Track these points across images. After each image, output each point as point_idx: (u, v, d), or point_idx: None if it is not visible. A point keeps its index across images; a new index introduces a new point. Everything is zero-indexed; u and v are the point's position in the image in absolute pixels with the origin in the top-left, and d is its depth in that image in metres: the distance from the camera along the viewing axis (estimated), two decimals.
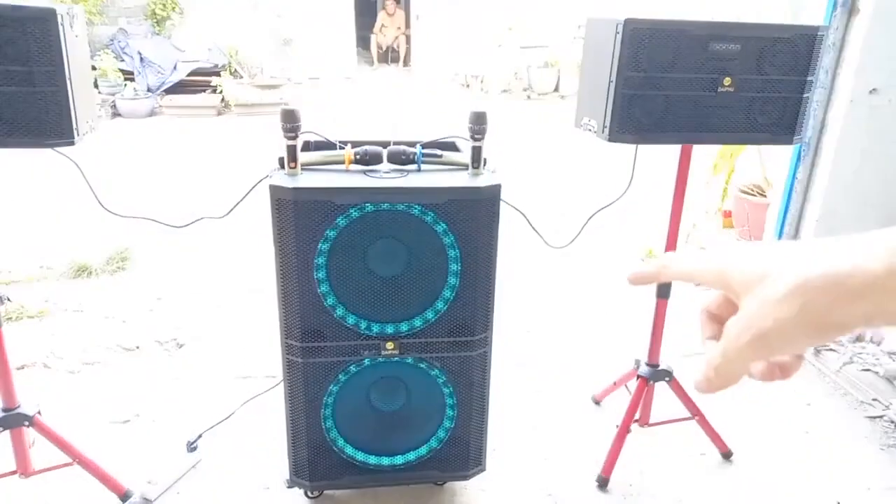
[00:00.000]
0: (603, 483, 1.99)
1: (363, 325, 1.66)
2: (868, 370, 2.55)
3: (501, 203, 1.85)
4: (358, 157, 1.67)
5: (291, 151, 1.59)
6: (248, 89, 8.17)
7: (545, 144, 6.58)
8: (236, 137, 6.80)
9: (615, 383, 2.26)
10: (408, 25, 11.32)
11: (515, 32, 9.92)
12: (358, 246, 1.59)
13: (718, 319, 0.46)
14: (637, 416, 2.11)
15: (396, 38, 11.67)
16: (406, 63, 11.50)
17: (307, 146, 1.91)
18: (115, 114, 7.80)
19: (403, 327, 1.68)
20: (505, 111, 8.74)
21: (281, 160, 1.62)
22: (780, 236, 2.83)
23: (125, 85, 7.77)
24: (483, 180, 1.62)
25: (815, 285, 0.36)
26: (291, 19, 8.96)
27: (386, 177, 1.62)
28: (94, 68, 7.78)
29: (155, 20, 8.45)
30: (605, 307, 3.21)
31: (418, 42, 10.99)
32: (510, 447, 2.18)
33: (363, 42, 11.45)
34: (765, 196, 3.43)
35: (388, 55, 11.98)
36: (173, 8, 8.35)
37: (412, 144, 1.72)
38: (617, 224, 4.48)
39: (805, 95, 1.72)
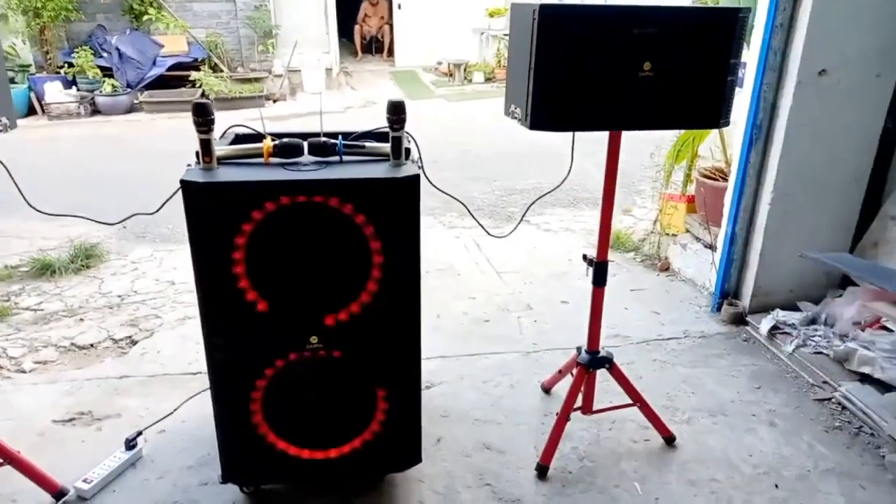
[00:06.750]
0: (542, 471, 1.99)
1: (286, 319, 1.65)
2: (820, 353, 2.54)
3: (441, 194, 1.84)
4: (277, 150, 1.65)
5: (205, 145, 1.57)
6: (228, 83, 8.12)
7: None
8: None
9: (560, 371, 2.26)
10: (391, 15, 11.23)
11: (496, 18, 9.85)
12: (277, 240, 1.58)
13: None
14: (580, 403, 2.10)
15: (380, 27, 11.59)
16: (390, 53, 11.43)
17: (237, 139, 1.90)
18: (95, 110, 7.77)
19: (328, 321, 1.67)
20: (482, 103, 8.70)
21: (197, 154, 1.60)
22: (734, 220, 2.80)
23: (104, 81, 7.73)
24: (401, 171, 1.61)
25: None
26: (272, 11, 8.88)
27: (304, 169, 1.61)
28: (71, 66, 7.74)
29: (133, 15, 8.38)
30: (564, 294, 3.19)
31: (401, 31, 10.91)
32: (454, 438, 2.17)
33: (346, 33, 11.37)
34: (727, 180, 3.40)
35: (372, 45, 11.91)
36: (150, 3, 8.27)
37: (335, 136, 1.71)
38: (570, 211, 4.48)
39: (730, 78, 1.70)
